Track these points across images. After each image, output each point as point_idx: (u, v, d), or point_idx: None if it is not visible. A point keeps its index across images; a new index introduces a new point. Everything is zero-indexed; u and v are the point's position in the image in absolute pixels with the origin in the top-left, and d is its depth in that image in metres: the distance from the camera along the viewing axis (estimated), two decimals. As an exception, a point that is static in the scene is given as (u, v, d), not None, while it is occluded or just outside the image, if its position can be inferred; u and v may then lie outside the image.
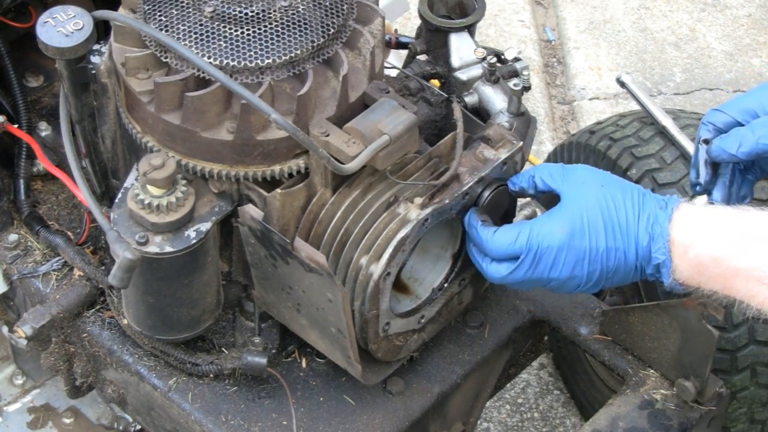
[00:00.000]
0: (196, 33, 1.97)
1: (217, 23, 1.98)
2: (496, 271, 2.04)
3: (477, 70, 2.38)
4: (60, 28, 2.00)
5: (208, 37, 1.97)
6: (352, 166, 1.94)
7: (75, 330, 2.28)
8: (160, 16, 2.00)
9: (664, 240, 1.94)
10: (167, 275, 2.01)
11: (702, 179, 2.06)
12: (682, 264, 1.94)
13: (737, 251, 1.88)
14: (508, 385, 2.86)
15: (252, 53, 1.96)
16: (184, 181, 1.98)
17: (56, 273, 2.30)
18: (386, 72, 2.33)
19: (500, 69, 2.36)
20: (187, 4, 2.01)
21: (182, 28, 1.98)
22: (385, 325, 2.09)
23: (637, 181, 2.49)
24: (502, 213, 2.13)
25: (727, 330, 2.36)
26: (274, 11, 1.99)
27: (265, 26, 1.98)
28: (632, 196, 1.99)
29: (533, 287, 2.06)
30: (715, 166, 2.06)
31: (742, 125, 2.03)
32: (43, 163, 2.29)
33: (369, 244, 2.01)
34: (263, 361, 2.13)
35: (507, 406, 3.10)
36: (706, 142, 2.05)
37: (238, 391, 2.19)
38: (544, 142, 3.81)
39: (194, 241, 1.97)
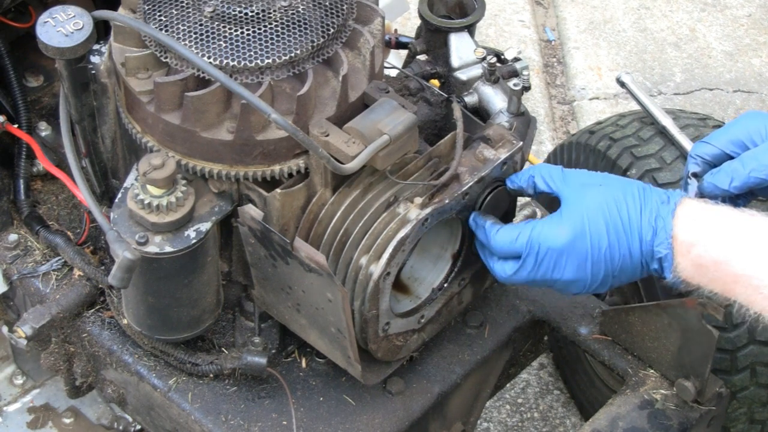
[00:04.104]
0: (196, 33, 1.97)
1: (217, 23, 1.98)
2: (502, 270, 2.06)
3: (477, 70, 2.38)
4: (60, 28, 2.00)
5: (208, 37, 1.97)
6: (352, 166, 1.94)
7: (75, 330, 2.28)
8: (160, 16, 2.00)
9: (666, 234, 1.93)
10: (167, 275, 2.01)
11: None
12: (683, 262, 1.93)
13: (738, 257, 1.87)
14: (508, 385, 2.85)
15: (252, 53, 1.96)
16: (184, 181, 1.98)
17: (56, 273, 2.30)
18: (386, 72, 2.33)
19: (500, 69, 2.36)
20: (187, 4, 2.01)
21: (182, 28, 1.98)
22: (385, 325, 2.09)
23: (637, 181, 2.50)
24: (502, 213, 2.13)
25: (727, 330, 2.36)
26: (274, 11, 1.99)
27: (265, 26, 1.98)
28: (633, 193, 1.98)
29: (543, 287, 2.09)
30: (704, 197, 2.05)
31: (731, 157, 2.01)
32: (43, 163, 2.29)
33: (369, 244, 2.01)
34: (263, 361, 2.13)
35: (507, 406, 3.10)
36: (696, 176, 2.04)
37: (238, 391, 2.19)
38: (544, 142, 3.81)
39: (194, 241, 1.97)
